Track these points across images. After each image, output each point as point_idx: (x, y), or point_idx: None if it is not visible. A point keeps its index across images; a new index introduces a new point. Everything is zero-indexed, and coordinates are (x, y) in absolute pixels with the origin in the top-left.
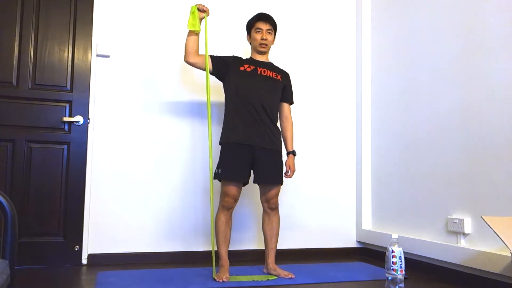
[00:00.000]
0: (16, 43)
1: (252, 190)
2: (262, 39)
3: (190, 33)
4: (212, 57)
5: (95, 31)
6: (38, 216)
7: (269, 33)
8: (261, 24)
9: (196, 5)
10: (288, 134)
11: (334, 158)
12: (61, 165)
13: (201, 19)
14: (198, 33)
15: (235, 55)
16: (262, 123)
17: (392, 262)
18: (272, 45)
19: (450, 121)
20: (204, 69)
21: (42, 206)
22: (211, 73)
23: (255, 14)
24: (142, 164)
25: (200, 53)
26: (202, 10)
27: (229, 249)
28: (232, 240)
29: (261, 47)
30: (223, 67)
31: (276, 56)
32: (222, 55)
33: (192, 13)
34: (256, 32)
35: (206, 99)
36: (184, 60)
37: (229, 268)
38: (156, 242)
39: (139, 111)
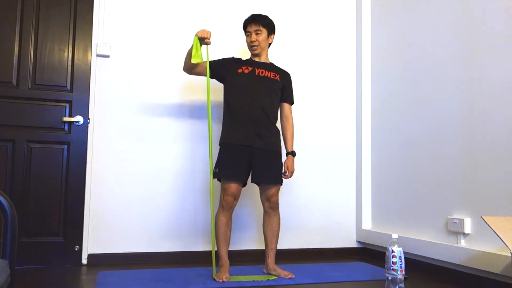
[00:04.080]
0: (16, 43)
1: (252, 191)
2: (251, 41)
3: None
4: (211, 62)
5: (95, 31)
6: (38, 216)
7: (257, 33)
8: (248, 27)
9: (197, 35)
10: (288, 135)
11: (334, 158)
12: (61, 165)
13: (201, 45)
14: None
15: (235, 56)
16: (260, 124)
17: (392, 262)
18: (270, 42)
19: (450, 121)
20: (204, 75)
21: (42, 206)
22: (211, 77)
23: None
24: (142, 164)
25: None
26: (204, 42)
27: (229, 249)
28: (232, 240)
29: (252, 50)
30: (222, 70)
31: (276, 56)
32: (223, 56)
33: (195, 45)
34: (246, 35)
35: (206, 98)
36: (183, 70)
37: (229, 268)
38: (156, 242)
39: (139, 111)
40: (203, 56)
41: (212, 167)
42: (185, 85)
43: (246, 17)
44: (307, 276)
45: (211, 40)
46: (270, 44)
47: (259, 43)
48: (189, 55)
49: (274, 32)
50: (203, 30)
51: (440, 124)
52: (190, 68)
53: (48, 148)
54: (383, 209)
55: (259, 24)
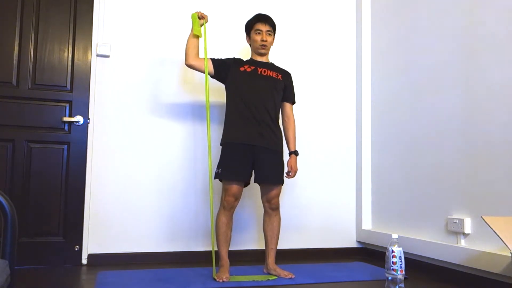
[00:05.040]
0: (16, 43)
1: (252, 191)
2: (262, 40)
3: (190, 37)
4: (212, 60)
5: (95, 31)
6: (38, 216)
7: (268, 34)
8: (260, 25)
9: (196, 12)
10: (290, 134)
11: (334, 158)
12: (61, 165)
13: (200, 25)
14: (199, 37)
15: (235, 57)
16: (263, 123)
17: (392, 262)
18: (271, 46)
19: (450, 121)
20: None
21: (42, 206)
22: (212, 76)
23: (254, 15)
24: (142, 164)
25: (200, 56)
26: (201, 17)
27: (229, 249)
28: (232, 240)
29: (261, 49)
30: (223, 69)
31: (276, 56)
32: (223, 57)
33: (194, 21)
34: (256, 33)
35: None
36: (185, 63)
37: (229, 268)
38: (156, 242)
39: (139, 111)
40: (202, 34)
41: (212, 167)
42: (185, 85)
43: (245, 17)
44: (307, 276)
45: (207, 17)
46: None
47: (268, 44)
48: (189, 45)
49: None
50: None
51: (440, 124)
52: (192, 55)
53: (48, 148)
54: (383, 209)
55: (271, 26)
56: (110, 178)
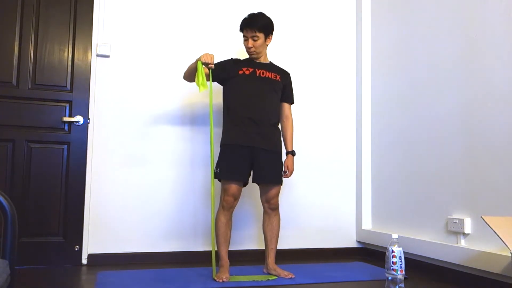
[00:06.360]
0: (16, 43)
1: (252, 190)
2: (249, 47)
3: (193, 65)
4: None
5: (95, 31)
6: (38, 216)
7: (254, 39)
8: (244, 31)
9: (200, 59)
10: (288, 134)
11: (334, 158)
12: (61, 165)
13: (207, 72)
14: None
15: (233, 58)
16: (262, 125)
17: (392, 262)
18: (268, 43)
19: (450, 121)
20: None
21: (42, 206)
22: (212, 81)
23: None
24: (142, 164)
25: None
26: (208, 67)
27: (229, 249)
28: (232, 240)
29: (250, 55)
30: (223, 74)
31: (276, 56)
32: (222, 58)
33: (200, 71)
34: (244, 40)
35: (206, 99)
36: (183, 79)
37: (229, 268)
38: (156, 242)
39: (139, 111)
40: (207, 82)
41: (213, 168)
42: (186, 85)
43: (244, 16)
44: (307, 276)
45: (214, 62)
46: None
47: (256, 49)
48: (191, 72)
49: (272, 32)
50: (206, 55)
51: (440, 124)
52: (191, 80)
53: (48, 148)
54: (383, 209)
55: (254, 30)
56: (110, 178)
